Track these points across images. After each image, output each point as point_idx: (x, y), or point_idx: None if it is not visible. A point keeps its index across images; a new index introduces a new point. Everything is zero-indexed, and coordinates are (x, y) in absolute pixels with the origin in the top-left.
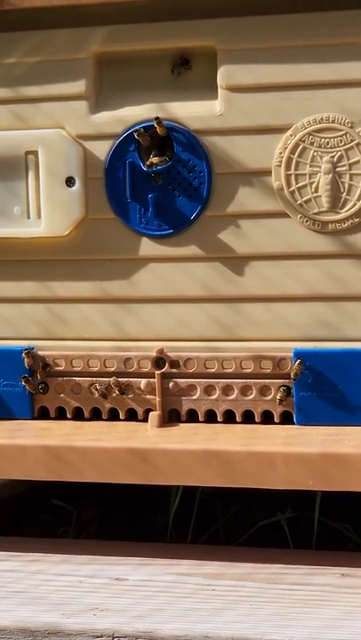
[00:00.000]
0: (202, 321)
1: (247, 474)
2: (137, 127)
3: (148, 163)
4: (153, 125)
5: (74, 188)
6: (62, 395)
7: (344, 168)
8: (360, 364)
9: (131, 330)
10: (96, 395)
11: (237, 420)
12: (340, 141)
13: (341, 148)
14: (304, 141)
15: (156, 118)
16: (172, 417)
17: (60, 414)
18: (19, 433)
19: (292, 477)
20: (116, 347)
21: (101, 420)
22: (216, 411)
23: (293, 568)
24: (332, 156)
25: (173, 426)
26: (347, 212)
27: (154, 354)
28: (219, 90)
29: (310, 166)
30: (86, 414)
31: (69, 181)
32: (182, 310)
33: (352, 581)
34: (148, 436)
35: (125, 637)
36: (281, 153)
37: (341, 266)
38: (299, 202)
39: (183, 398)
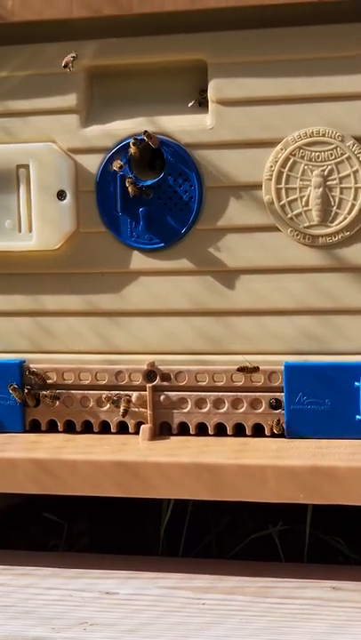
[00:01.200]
0: (191, 334)
1: (237, 487)
2: (128, 140)
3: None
4: (144, 139)
5: (65, 201)
6: (54, 407)
7: (334, 182)
8: (349, 377)
9: (121, 343)
10: (108, 406)
11: (228, 432)
12: (331, 155)
13: (332, 162)
14: (295, 155)
15: (145, 132)
16: (163, 430)
17: (52, 427)
18: (8, 446)
19: (283, 491)
20: (106, 360)
21: (93, 433)
22: (207, 424)
23: (284, 581)
24: (323, 170)
25: (165, 439)
26: (337, 225)
27: (145, 367)
28: (210, 104)
29: (301, 180)
30: (78, 427)
31: (60, 195)
32: (172, 324)
33: (343, 595)
34: (139, 449)
35: None
36: (271, 167)
37: (331, 279)
38: (289, 215)
39: (174, 411)
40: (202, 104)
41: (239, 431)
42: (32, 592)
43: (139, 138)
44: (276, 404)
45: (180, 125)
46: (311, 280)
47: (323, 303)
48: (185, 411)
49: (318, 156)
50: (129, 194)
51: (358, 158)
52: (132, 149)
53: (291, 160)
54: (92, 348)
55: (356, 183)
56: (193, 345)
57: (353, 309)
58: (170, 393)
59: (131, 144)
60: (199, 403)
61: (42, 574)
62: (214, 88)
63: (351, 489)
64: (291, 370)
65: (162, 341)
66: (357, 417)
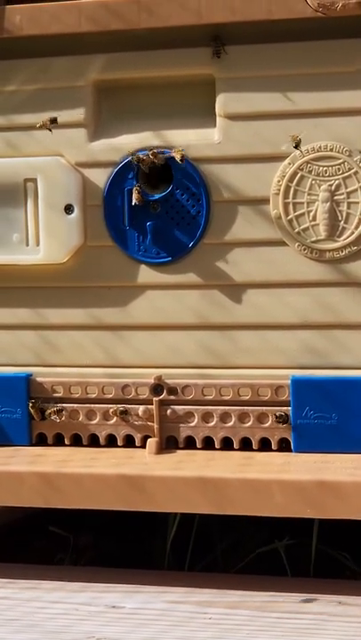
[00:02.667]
0: (196, 349)
1: (243, 502)
2: (137, 154)
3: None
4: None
5: (72, 215)
6: (62, 420)
7: (342, 196)
8: (356, 392)
9: (126, 357)
10: (115, 419)
11: (235, 447)
12: (338, 170)
13: (339, 177)
14: (302, 170)
15: (151, 150)
16: (169, 444)
17: (59, 441)
18: (12, 460)
19: (289, 505)
20: (111, 374)
21: (99, 446)
22: (214, 437)
23: (289, 596)
24: (330, 185)
25: (171, 452)
26: (344, 240)
27: (152, 381)
28: (217, 118)
29: (308, 195)
30: (84, 441)
31: (68, 209)
32: (177, 338)
33: (349, 610)
34: (145, 462)
35: None
36: (279, 181)
37: (338, 294)
38: (296, 230)
39: (181, 425)
40: (220, 53)
41: (246, 445)
42: (37, 605)
43: (142, 154)
44: (283, 419)
45: (187, 140)
46: (318, 295)
47: (329, 318)
48: (192, 424)
49: (326, 170)
50: (135, 202)
51: None
52: (141, 164)
53: (298, 174)
54: (98, 361)
55: None
56: (197, 359)
57: (360, 324)
58: (176, 407)
59: (138, 158)
60: (206, 417)
61: (47, 587)
62: (222, 103)
63: (357, 504)
64: (298, 384)
65: (167, 355)
66: None
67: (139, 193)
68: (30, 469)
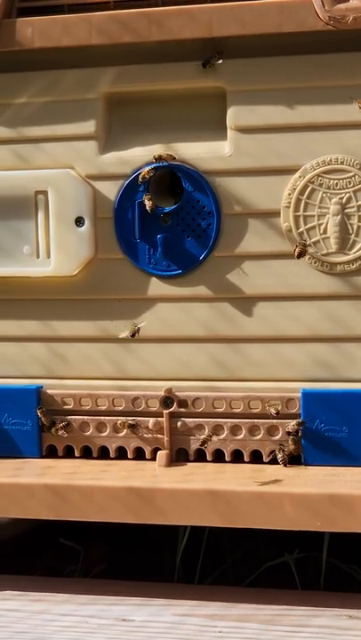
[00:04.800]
0: (206, 361)
1: (253, 514)
2: (144, 168)
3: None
4: (161, 165)
5: (83, 227)
6: (70, 433)
7: (353, 209)
8: None
9: (136, 370)
10: (125, 432)
11: (245, 459)
12: (349, 183)
13: (350, 190)
14: (313, 183)
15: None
16: (180, 456)
17: (69, 453)
18: (22, 472)
19: (299, 518)
20: (121, 386)
21: (109, 459)
22: (224, 450)
23: (298, 609)
24: (341, 198)
25: (181, 465)
26: (355, 253)
27: (162, 393)
28: (228, 131)
29: (319, 208)
30: (94, 453)
31: (79, 221)
32: (187, 351)
33: (359, 624)
34: (156, 475)
35: None
36: (290, 194)
37: (349, 307)
38: (307, 243)
39: (191, 437)
40: (212, 65)
41: (256, 458)
42: (46, 618)
43: (156, 166)
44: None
45: (198, 152)
46: (328, 307)
47: (340, 331)
48: (202, 437)
49: (336, 183)
50: (147, 210)
51: None
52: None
53: (309, 188)
54: (108, 374)
55: None
56: (208, 372)
57: None
58: (187, 419)
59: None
60: (216, 429)
61: (56, 600)
62: (233, 115)
63: None
64: (308, 397)
65: (177, 368)
66: None
67: (150, 200)
68: (40, 481)
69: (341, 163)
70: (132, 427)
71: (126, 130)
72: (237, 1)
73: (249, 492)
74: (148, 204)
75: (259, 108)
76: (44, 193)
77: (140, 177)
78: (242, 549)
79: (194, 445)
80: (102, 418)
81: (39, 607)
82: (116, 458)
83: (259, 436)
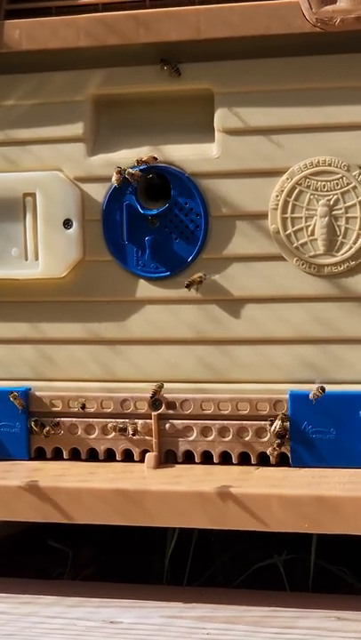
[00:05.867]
0: (194, 363)
1: (241, 516)
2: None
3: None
4: (147, 167)
5: (71, 230)
6: (59, 435)
7: (340, 211)
8: (354, 407)
9: (124, 372)
10: (114, 434)
11: (234, 461)
12: (337, 184)
13: (338, 192)
14: (300, 184)
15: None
16: (168, 458)
17: (58, 455)
18: (9, 474)
19: (287, 520)
20: (109, 388)
21: (98, 460)
22: (212, 452)
23: (286, 610)
24: (329, 200)
25: (170, 467)
26: (343, 255)
27: (150, 395)
28: (216, 133)
29: (306, 209)
30: (83, 455)
31: (67, 223)
32: (175, 352)
33: (347, 625)
34: (144, 477)
35: None
36: (277, 196)
37: (337, 309)
38: (295, 245)
39: (180, 439)
40: (169, 72)
41: (244, 459)
42: (34, 620)
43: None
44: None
45: (186, 155)
46: (316, 310)
47: (327, 333)
48: (190, 439)
49: (324, 185)
50: (114, 184)
51: None
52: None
53: (297, 189)
54: (96, 376)
55: None
56: (196, 374)
57: (358, 339)
58: (175, 421)
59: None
60: (204, 431)
61: (44, 602)
62: (221, 117)
63: (354, 519)
64: (296, 399)
65: (165, 370)
66: None
67: (118, 174)
68: (28, 484)
69: (329, 165)
70: (122, 430)
71: (114, 132)
72: (225, 3)
73: (237, 494)
74: (115, 177)
75: (246, 111)
76: (33, 195)
77: (132, 178)
78: (231, 551)
79: (182, 447)
80: (91, 420)
81: (27, 609)
82: (105, 460)
83: (247, 438)
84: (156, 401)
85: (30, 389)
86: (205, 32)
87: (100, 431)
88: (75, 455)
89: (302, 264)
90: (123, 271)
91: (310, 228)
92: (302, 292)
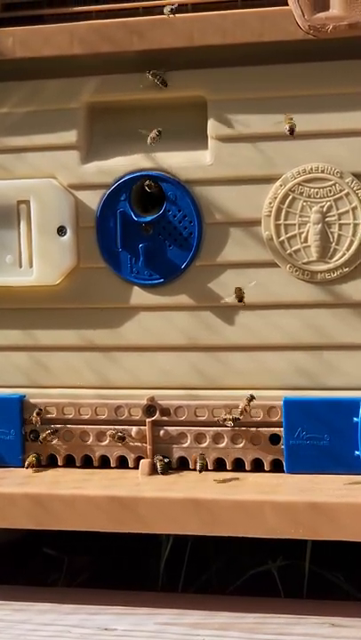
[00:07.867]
0: (187, 370)
1: (235, 523)
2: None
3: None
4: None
5: (65, 237)
6: (54, 442)
7: (333, 218)
8: (348, 413)
9: (118, 379)
10: (108, 440)
11: (228, 467)
12: (330, 191)
13: (331, 199)
14: (294, 191)
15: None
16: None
17: (52, 462)
18: (4, 481)
19: (280, 526)
20: (103, 395)
21: (93, 467)
22: (206, 458)
23: (280, 617)
24: (322, 206)
25: (164, 473)
26: (336, 261)
27: (144, 402)
28: (209, 140)
29: (300, 216)
30: (77, 462)
31: (61, 231)
32: (169, 359)
33: (341, 631)
34: (138, 483)
35: None
36: (271, 203)
37: (330, 315)
38: (288, 252)
39: (174, 446)
40: (156, 81)
41: (238, 466)
42: (28, 628)
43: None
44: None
45: (179, 162)
46: (309, 316)
47: (321, 339)
48: (184, 445)
49: (317, 192)
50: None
51: (357, 195)
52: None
53: (290, 196)
54: (90, 383)
55: (354, 219)
56: (190, 380)
57: (351, 345)
58: (169, 428)
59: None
60: (198, 437)
61: (38, 609)
62: (213, 125)
63: (348, 525)
64: (290, 405)
65: (159, 377)
66: (356, 452)
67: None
68: (22, 491)
69: (322, 171)
70: (121, 439)
71: (108, 139)
72: (218, 10)
73: (231, 501)
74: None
75: (239, 117)
76: (27, 202)
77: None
78: (225, 557)
79: (176, 454)
80: (85, 427)
81: (21, 617)
82: (100, 466)
83: (241, 445)
84: (150, 407)
85: (25, 397)
86: (199, 39)
87: (94, 438)
88: (69, 462)
89: (296, 271)
90: (117, 278)
91: (303, 235)
92: (296, 298)
